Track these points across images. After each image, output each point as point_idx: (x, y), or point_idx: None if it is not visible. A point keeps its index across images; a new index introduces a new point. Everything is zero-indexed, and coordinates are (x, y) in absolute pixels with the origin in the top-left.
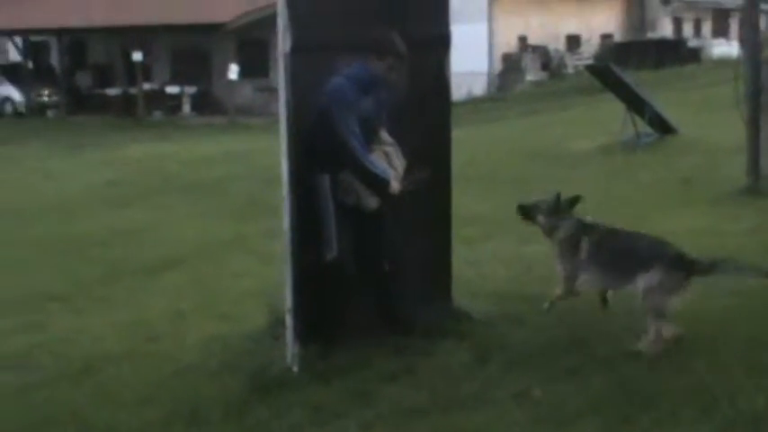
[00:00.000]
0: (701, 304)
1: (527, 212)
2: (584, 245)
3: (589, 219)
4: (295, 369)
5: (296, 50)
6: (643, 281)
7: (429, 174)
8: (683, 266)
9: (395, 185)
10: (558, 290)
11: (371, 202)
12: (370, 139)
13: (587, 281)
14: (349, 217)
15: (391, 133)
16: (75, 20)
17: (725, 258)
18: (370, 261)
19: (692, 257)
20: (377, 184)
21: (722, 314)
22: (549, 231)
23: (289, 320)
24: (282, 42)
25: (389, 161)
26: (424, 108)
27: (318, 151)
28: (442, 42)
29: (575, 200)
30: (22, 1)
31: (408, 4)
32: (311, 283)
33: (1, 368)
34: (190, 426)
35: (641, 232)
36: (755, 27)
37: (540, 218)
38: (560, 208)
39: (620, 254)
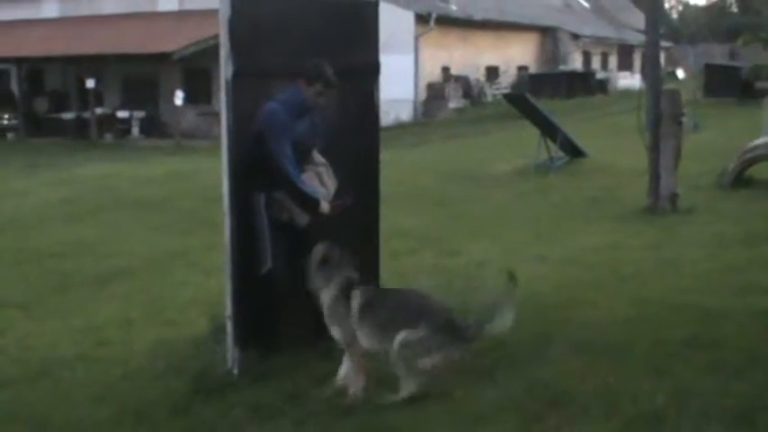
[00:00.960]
0: (606, 312)
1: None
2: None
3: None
4: (235, 372)
5: (237, 77)
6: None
7: (353, 200)
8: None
9: (324, 206)
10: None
11: (303, 219)
12: (304, 159)
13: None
14: (283, 232)
15: (324, 154)
16: (33, 50)
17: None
18: (304, 272)
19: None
20: (307, 203)
21: (625, 322)
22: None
23: (229, 327)
24: (224, 69)
25: (321, 181)
26: (356, 131)
27: (254, 171)
28: (372, 71)
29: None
30: None
31: (341, 36)
32: (249, 293)
33: None
34: (138, 423)
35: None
36: (656, 62)
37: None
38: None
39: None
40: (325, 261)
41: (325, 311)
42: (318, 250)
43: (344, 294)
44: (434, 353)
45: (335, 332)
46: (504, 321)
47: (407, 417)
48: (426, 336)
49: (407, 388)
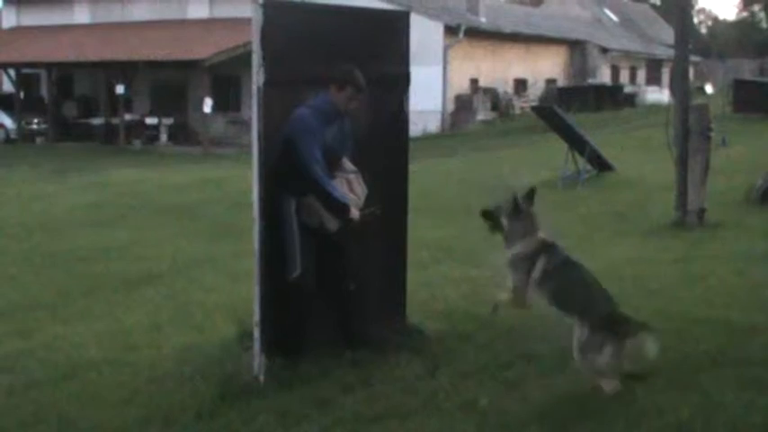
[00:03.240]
0: None
1: (490, 216)
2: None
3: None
4: (261, 378)
5: (268, 84)
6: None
7: (381, 210)
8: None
9: (354, 212)
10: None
11: (333, 224)
12: (333, 166)
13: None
14: (312, 238)
15: (354, 162)
16: (64, 55)
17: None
18: (332, 279)
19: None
20: (337, 208)
21: None
22: (508, 237)
23: (256, 333)
24: (256, 77)
25: (351, 188)
26: (385, 140)
27: (284, 176)
28: (402, 81)
29: (531, 193)
30: (17, 38)
31: (372, 46)
32: (277, 300)
33: None
34: (165, 427)
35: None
36: (685, 77)
37: (504, 219)
38: (520, 208)
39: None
40: (517, 211)
41: (509, 260)
42: (509, 202)
43: (533, 254)
44: (603, 349)
45: (510, 279)
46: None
47: (433, 426)
48: (590, 333)
49: (607, 385)
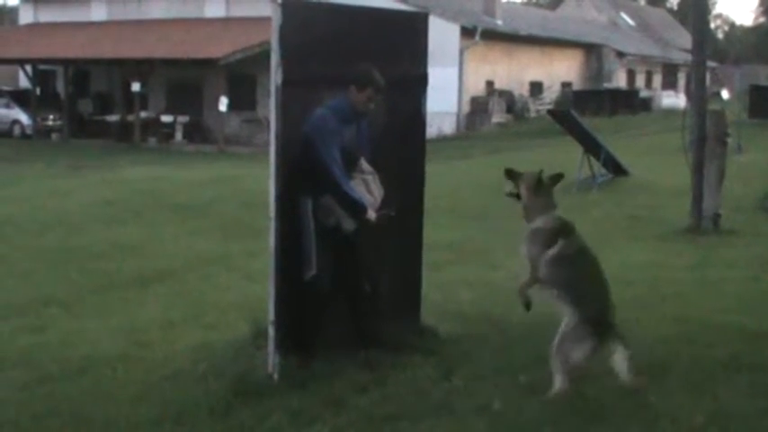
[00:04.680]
0: (646, 330)
1: (513, 176)
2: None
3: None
4: (275, 377)
5: (286, 84)
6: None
7: (396, 211)
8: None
9: (371, 214)
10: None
11: (350, 224)
12: (351, 166)
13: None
14: (329, 238)
15: (371, 163)
16: (80, 52)
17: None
18: (347, 279)
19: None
20: (354, 209)
21: (666, 340)
22: (527, 210)
23: (271, 332)
24: (274, 76)
25: (368, 189)
26: (402, 142)
27: (302, 176)
28: (419, 82)
29: (557, 177)
30: (34, 34)
31: (390, 46)
32: (292, 299)
33: (5, 366)
34: (178, 424)
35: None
36: (701, 81)
37: (523, 189)
38: (542, 184)
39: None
40: (539, 185)
41: (528, 234)
42: (533, 175)
43: (551, 236)
44: (579, 345)
45: (524, 250)
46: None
47: (446, 428)
48: (576, 326)
49: (559, 382)
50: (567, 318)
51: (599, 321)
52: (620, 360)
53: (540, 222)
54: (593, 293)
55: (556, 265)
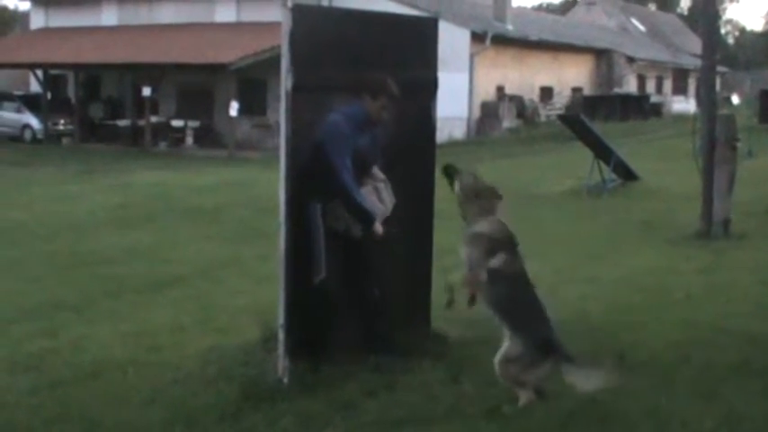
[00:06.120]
0: (656, 334)
1: (450, 173)
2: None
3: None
4: (285, 380)
5: (296, 89)
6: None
7: (400, 229)
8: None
9: (377, 227)
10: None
11: (359, 230)
12: (363, 173)
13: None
14: (338, 242)
15: (382, 169)
16: (91, 56)
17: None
18: (356, 284)
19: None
20: (361, 218)
21: (675, 344)
22: (464, 211)
23: (281, 336)
24: (285, 81)
25: (379, 196)
26: (413, 146)
27: (312, 181)
28: (430, 87)
29: (493, 190)
30: (45, 39)
31: (400, 51)
32: (302, 303)
33: (17, 370)
34: (188, 428)
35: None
36: (712, 87)
37: (458, 187)
38: (481, 185)
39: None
40: (478, 195)
41: (465, 237)
42: (469, 179)
43: (493, 244)
44: (531, 369)
45: (464, 253)
46: (586, 381)
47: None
48: (524, 351)
49: (523, 396)
50: (509, 340)
51: (547, 345)
52: (573, 379)
53: (482, 227)
54: (533, 317)
55: (495, 282)
